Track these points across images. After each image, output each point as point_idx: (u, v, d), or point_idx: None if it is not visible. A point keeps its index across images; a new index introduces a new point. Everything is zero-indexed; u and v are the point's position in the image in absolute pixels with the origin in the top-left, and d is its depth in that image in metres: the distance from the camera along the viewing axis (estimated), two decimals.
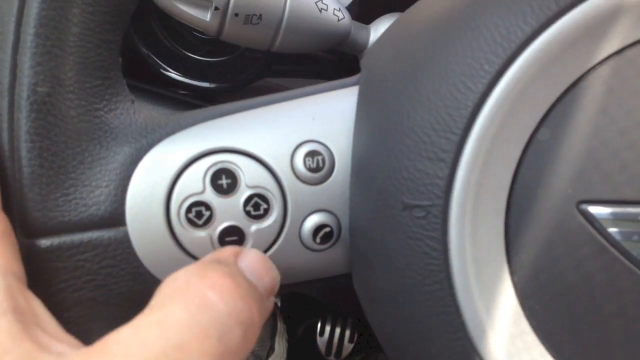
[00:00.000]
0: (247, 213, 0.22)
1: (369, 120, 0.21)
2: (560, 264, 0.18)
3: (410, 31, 0.22)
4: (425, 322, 0.20)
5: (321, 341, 0.65)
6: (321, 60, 0.41)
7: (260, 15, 0.27)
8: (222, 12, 0.27)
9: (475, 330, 0.19)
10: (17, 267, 0.18)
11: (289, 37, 0.29)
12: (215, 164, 0.21)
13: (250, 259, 0.20)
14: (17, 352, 0.16)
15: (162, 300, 0.17)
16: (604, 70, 0.18)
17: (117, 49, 0.22)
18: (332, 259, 0.23)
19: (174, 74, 0.38)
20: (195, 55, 0.39)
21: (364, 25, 0.32)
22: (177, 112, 0.23)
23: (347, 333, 0.65)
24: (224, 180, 0.21)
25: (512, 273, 0.19)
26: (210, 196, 0.21)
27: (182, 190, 0.21)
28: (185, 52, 0.38)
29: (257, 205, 0.22)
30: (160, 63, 0.38)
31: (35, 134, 0.20)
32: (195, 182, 0.21)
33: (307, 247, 0.23)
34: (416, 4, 0.23)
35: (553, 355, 0.19)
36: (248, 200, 0.22)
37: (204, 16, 0.27)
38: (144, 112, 0.22)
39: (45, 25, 0.20)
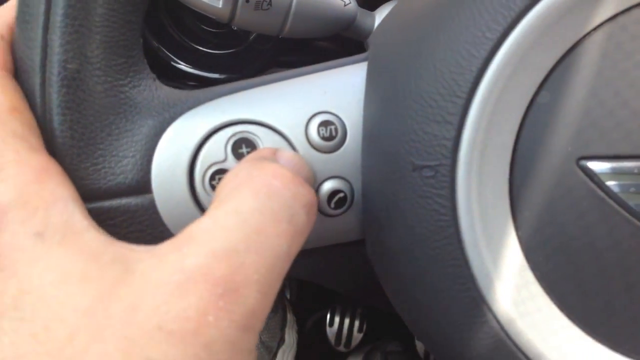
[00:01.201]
0: None
1: (379, 90, 0.23)
2: (562, 217, 0.20)
3: (415, 6, 0.23)
4: (435, 275, 0.21)
5: (331, 332, 0.65)
6: (327, 51, 0.42)
7: (270, 1, 0.29)
8: None
9: (483, 282, 0.20)
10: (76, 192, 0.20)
11: (298, 22, 0.30)
12: (235, 134, 0.23)
13: (287, 156, 0.22)
14: (111, 253, 0.18)
15: (230, 192, 0.19)
16: (598, 35, 0.19)
17: (139, 29, 0.23)
18: (346, 224, 0.24)
19: (184, 66, 0.39)
20: (204, 48, 0.40)
21: (369, 11, 0.34)
22: (195, 89, 0.24)
23: (357, 323, 0.65)
24: (244, 149, 0.23)
25: (517, 228, 0.20)
26: (232, 164, 0.22)
27: (205, 158, 0.22)
28: (194, 45, 0.39)
29: None
30: (171, 56, 0.39)
31: (66, 107, 0.21)
32: (217, 151, 0.22)
33: (323, 213, 0.24)
34: None
35: (556, 304, 0.20)
36: None
37: (216, 3, 0.28)
38: (165, 89, 0.23)
39: (73, 6, 0.21)
